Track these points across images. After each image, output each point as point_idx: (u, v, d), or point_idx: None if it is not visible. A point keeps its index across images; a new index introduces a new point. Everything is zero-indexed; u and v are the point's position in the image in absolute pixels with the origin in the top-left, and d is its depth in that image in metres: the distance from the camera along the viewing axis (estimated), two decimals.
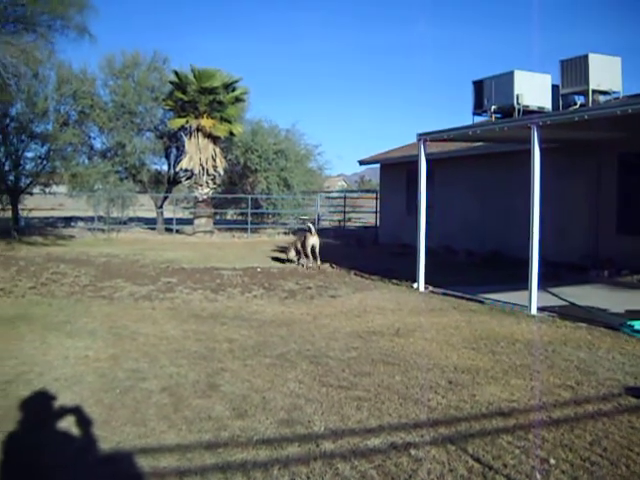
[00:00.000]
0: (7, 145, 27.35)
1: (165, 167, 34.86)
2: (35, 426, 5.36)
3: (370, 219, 33.64)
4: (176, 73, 28.50)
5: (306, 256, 17.62)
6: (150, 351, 7.86)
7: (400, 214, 23.98)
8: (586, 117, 10.33)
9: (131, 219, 32.14)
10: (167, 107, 30.40)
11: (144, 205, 35.24)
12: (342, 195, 42.34)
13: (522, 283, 11.16)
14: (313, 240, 17.48)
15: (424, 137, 13.78)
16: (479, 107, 20.56)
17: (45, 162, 28.33)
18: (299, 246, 18.05)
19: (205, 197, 30.13)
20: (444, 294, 12.78)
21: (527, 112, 18.18)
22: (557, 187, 15.28)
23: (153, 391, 6.26)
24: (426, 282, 13.52)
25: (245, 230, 30.98)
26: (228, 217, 38.80)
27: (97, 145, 32.71)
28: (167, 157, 34.07)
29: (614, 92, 18.63)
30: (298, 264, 17.85)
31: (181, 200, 37.80)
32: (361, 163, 28.91)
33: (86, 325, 9.37)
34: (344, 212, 36.96)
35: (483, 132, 13.13)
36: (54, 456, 4.78)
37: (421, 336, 8.92)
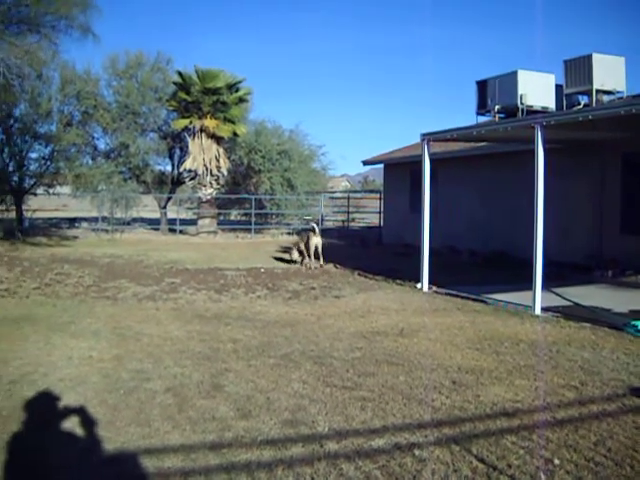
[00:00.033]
0: (11, 146, 27.38)
1: (169, 168, 34.96)
2: (39, 426, 5.36)
3: (374, 219, 33.64)
4: (180, 74, 28.52)
5: (309, 256, 17.61)
6: (154, 352, 7.86)
7: (404, 214, 23.94)
8: (590, 117, 10.30)
9: (135, 220, 32.16)
10: (171, 108, 30.42)
11: (148, 206, 35.27)
12: (346, 195, 42.35)
13: (526, 283, 11.15)
14: (316, 240, 17.48)
15: (428, 137, 13.77)
16: (483, 107, 20.50)
17: (49, 163, 28.41)
18: (302, 246, 18.06)
19: (209, 197, 30.14)
20: (448, 294, 12.76)
21: (531, 112, 18.11)
22: (561, 187, 15.25)
23: (157, 391, 6.26)
24: (430, 282, 13.52)
25: (249, 230, 31.01)
26: (232, 217, 38.75)
27: (101, 146, 32.89)
28: (171, 157, 34.11)
29: (618, 92, 18.56)
30: (302, 264, 17.84)
31: (185, 201, 37.77)
32: (365, 163, 28.91)
33: (90, 326, 9.38)
34: (348, 212, 36.96)
35: (487, 132, 13.11)
36: (58, 456, 4.78)
37: (425, 336, 8.91)
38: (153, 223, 33.61)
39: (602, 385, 6.57)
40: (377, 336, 8.93)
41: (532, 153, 10.94)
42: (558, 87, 19.39)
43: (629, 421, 5.52)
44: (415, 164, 17.06)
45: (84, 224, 33.08)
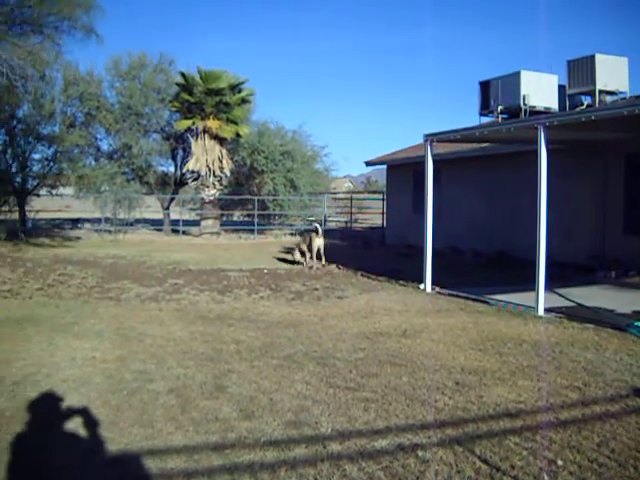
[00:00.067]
0: (14, 147, 27.41)
1: (172, 168, 35.01)
2: (43, 427, 5.37)
3: (377, 220, 33.60)
4: (183, 75, 28.52)
5: (312, 257, 17.62)
6: (157, 352, 7.87)
7: (407, 215, 23.93)
8: (593, 117, 10.29)
9: (138, 220, 32.12)
10: (173, 108, 30.43)
11: (151, 206, 35.25)
12: (348, 196, 42.31)
13: (529, 284, 11.12)
14: (319, 242, 17.51)
15: (431, 138, 13.76)
16: (485, 107, 20.48)
17: (52, 164, 28.41)
18: (303, 247, 18.09)
19: (212, 198, 30.14)
20: (451, 295, 12.75)
21: (534, 112, 18.09)
22: (563, 188, 15.23)
23: (160, 392, 6.27)
24: (433, 283, 13.50)
25: (252, 231, 30.99)
26: (234, 218, 38.75)
27: (104, 147, 32.87)
28: (174, 158, 34.14)
29: (621, 92, 18.54)
30: (305, 265, 17.83)
31: (188, 201, 37.78)
32: (367, 164, 28.87)
33: (93, 326, 9.38)
34: (350, 213, 36.93)
35: (490, 133, 13.10)
36: (62, 457, 4.80)
37: (428, 337, 8.91)
38: (156, 224, 33.65)
39: (605, 386, 6.56)
40: (380, 337, 8.93)
41: (535, 154, 10.94)
42: (561, 88, 19.38)
43: (632, 422, 5.51)
44: (418, 165, 17.03)
45: (87, 225, 33.13)
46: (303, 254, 18.16)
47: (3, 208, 27.91)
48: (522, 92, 18.76)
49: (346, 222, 37.67)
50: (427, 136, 13.81)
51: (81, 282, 14.09)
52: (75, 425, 5.40)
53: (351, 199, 38.47)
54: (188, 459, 4.73)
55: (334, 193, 45.86)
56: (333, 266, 17.71)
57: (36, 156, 28.47)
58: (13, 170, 27.60)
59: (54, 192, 30.04)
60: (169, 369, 7.11)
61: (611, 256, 15.82)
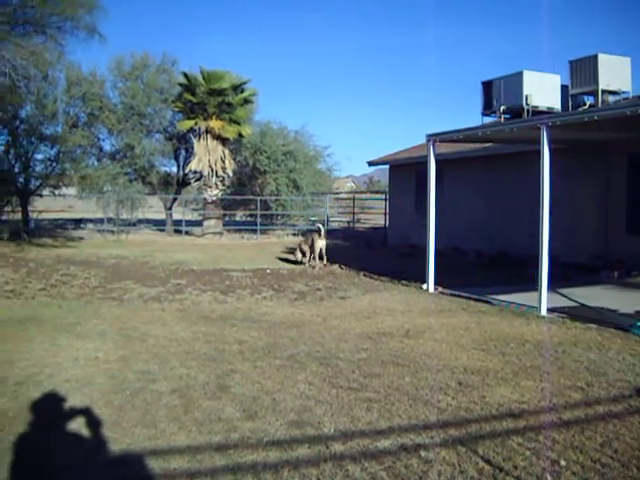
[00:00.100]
0: (17, 147, 27.37)
1: (174, 169, 35.04)
2: (45, 427, 5.37)
3: (379, 220, 33.56)
4: (185, 75, 28.51)
5: (314, 258, 17.63)
6: (160, 353, 7.86)
7: (409, 215, 23.89)
8: (596, 117, 10.27)
9: (140, 221, 32.18)
10: (176, 109, 30.44)
11: (153, 207, 35.31)
12: (351, 196, 42.28)
13: (531, 284, 11.13)
14: (321, 243, 17.54)
15: (433, 138, 13.74)
16: (488, 107, 20.44)
17: (54, 164, 28.38)
18: (305, 247, 18.11)
19: (214, 198, 30.12)
20: (453, 295, 12.74)
21: (536, 112, 18.05)
22: (566, 188, 15.22)
23: (163, 393, 6.26)
24: (435, 283, 13.49)
25: (254, 231, 31.01)
26: (237, 218, 38.75)
27: (106, 147, 32.91)
28: (176, 159, 34.18)
29: (624, 92, 18.49)
30: (307, 265, 17.83)
31: (190, 202, 37.75)
32: (370, 164, 28.81)
33: (96, 327, 9.38)
34: (353, 213, 36.90)
35: (492, 133, 13.07)
36: (64, 457, 4.79)
37: (431, 337, 8.90)
38: (159, 224, 33.67)
39: (608, 386, 6.55)
40: (383, 337, 8.92)
41: (537, 153, 10.93)
42: (563, 88, 19.35)
43: (635, 422, 5.50)
44: (421, 165, 17.03)
45: (90, 225, 33.18)
46: (303, 254, 18.17)
47: (6, 208, 27.98)
48: (525, 92, 18.72)
49: (348, 222, 37.64)
50: (430, 136, 13.79)
51: (84, 282, 14.08)
52: (78, 425, 5.39)
53: (353, 199, 38.45)
54: (191, 459, 4.73)
55: (336, 193, 45.83)
56: (336, 266, 17.70)
57: (39, 156, 28.49)
58: (16, 170, 27.56)
59: (57, 192, 30.00)
60: (172, 369, 7.11)
61: (614, 256, 15.79)
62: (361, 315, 10.66)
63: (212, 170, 29.11)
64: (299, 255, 18.33)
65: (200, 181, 31.51)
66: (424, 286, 13.60)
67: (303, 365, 7.36)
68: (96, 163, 31.57)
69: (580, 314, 10.45)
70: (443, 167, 16.17)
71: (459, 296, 12.57)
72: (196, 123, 28.81)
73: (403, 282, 14.45)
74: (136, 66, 31.61)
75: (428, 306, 11.64)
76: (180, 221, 31.70)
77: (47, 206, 31.57)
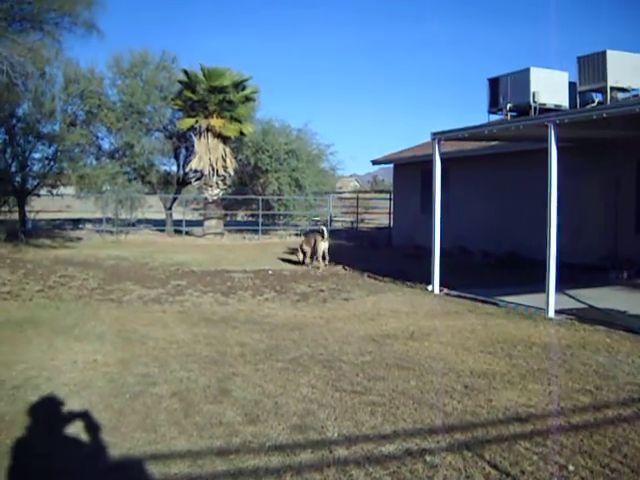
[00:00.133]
0: (14, 146, 27.26)
1: (174, 168, 34.95)
2: (43, 432, 5.33)
3: (383, 220, 33.53)
4: (185, 72, 28.37)
5: (316, 258, 17.61)
6: (160, 355, 7.81)
7: (414, 215, 23.79)
8: (604, 115, 10.22)
9: (140, 221, 32.14)
10: (176, 107, 30.32)
11: (153, 206, 35.25)
12: (355, 196, 42.28)
13: (539, 285, 11.10)
14: (324, 245, 17.50)
15: (439, 136, 13.68)
16: (494, 105, 20.40)
17: (52, 163, 28.23)
18: (306, 248, 18.11)
19: (215, 198, 30.05)
20: (459, 296, 12.67)
21: (544, 110, 18.00)
22: (574, 187, 15.11)
23: (163, 396, 6.21)
24: (441, 284, 13.41)
25: (256, 232, 30.96)
26: (239, 218, 38.69)
27: (105, 146, 32.85)
28: (176, 157, 34.11)
29: (633, 89, 18.40)
30: (311, 267, 17.77)
31: (191, 201, 37.71)
32: (374, 163, 28.72)
33: (94, 329, 9.33)
34: (357, 213, 36.87)
35: (499, 131, 13.01)
36: (63, 462, 4.76)
37: (436, 340, 8.85)
38: (158, 224, 33.68)
39: (617, 389, 6.50)
40: (387, 339, 8.86)
41: (545, 152, 10.85)
42: (571, 85, 19.29)
43: None
44: (426, 164, 16.95)
45: (88, 225, 33.16)
46: (303, 254, 18.17)
47: (3, 208, 27.75)
48: (532, 89, 18.67)
49: (352, 222, 37.66)
50: (435, 134, 13.73)
51: (82, 284, 14.02)
52: (76, 429, 5.35)
53: (357, 199, 38.49)
54: (192, 464, 4.69)
55: (340, 193, 45.88)
56: (339, 267, 17.67)
57: (36, 155, 28.34)
58: (13, 170, 27.43)
59: (54, 192, 29.78)
60: (172, 372, 7.06)
61: (623, 256, 15.64)
62: (365, 317, 10.61)
63: (213, 169, 29.04)
64: (300, 255, 18.33)
65: (201, 180, 31.43)
66: (429, 287, 13.52)
67: (306, 368, 7.31)
68: (95, 162, 31.52)
69: (588, 316, 10.37)
70: (449, 166, 16.09)
71: (465, 297, 12.50)
72: (196, 121, 28.71)
73: (408, 283, 14.39)
74: (135, 63, 31.56)
75: (433, 308, 11.58)
76: (180, 221, 31.64)
77: (45, 206, 31.54)
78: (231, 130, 28.91)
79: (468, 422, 5.58)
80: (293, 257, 19.31)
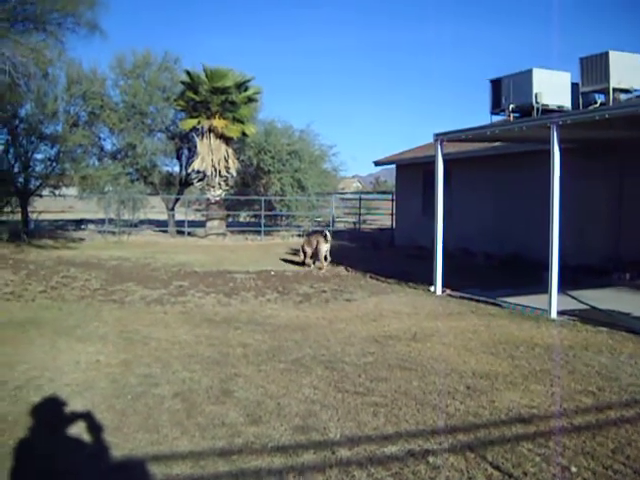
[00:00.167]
0: (16, 147, 27.17)
1: (177, 168, 34.83)
2: (46, 432, 5.34)
3: (386, 221, 33.47)
4: (188, 73, 28.29)
5: (319, 259, 17.58)
6: (162, 356, 7.81)
7: (417, 216, 23.74)
8: (607, 116, 10.17)
9: (142, 221, 32.01)
10: (178, 107, 30.22)
11: (155, 207, 35.21)
12: (357, 197, 42.20)
13: (541, 286, 11.09)
14: (326, 246, 17.47)
15: (441, 137, 13.64)
16: (497, 106, 20.32)
17: (55, 164, 28.12)
18: (307, 249, 18.09)
19: (217, 199, 29.97)
20: (462, 297, 12.65)
21: (546, 111, 17.92)
22: (577, 188, 15.01)
23: (166, 397, 6.22)
24: (443, 285, 13.39)
25: (258, 232, 30.87)
26: (241, 219, 38.55)
27: (107, 146, 32.70)
28: (179, 158, 34.00)
29: (635, 90, 18.28)
30: (314, 267, 17.76)
31: (193, 202, 37.57)
32: (376, 164, 28.67)
33: (97, 329, 9.33)
34: (359, 214, 36.78)
35: (501, 132, 12.96)
36: (65, 463, 4.77)
37: (439, 341, 8.84)
38: (161, 225, 33.59)
39: (620, 391, 6.49)
40: (390, 340, 8.86)
41: (547, 153, 10.83)
42: (574, 86, 19.21)
43: None
44: (428, 164, 16.92)
45: (90, 226, 33.12)
46: (304, 254, 18.18)
47: (5, 209, 27.66)
48: (534, 90, 18.58)
49: (354, 223, 37.52)
50: (437, 135, 13.69)
51: (84, 284, 14.01)
52: (79, 430, 5.36)
53: (360, 199, 38.34)
54: (194, 465, 4.70)
55: (342, 193, 45.74)
56: (341, 268, 17.63)
57: (39, 156, 28.20)
58: (15, 170, 27.33)
59: (57, 193, 29.67)
60: (174, 373, 7.06)
61: (626, 258, 15.50)
62: (367, 318, 10.59)
63: (215, 170, 28.96)
64: (302, 256, 18.28)
65: (203, 181, 31.24)
66: (432, 288, 13.48)
67: (308, 369, 7.30)
68: (97, 163, 31.43)
69: (591, 317, 10.36)
70: (451, 167, 16.04)
71: (468, 299, 12.49)
72: (199, 122, 28.62)
73: (410, 284, 14.37)
74: (138, 64, 31.44)
75: (436, 309, 11.56)
76: (183, 222, 31.55)
77: (47, 207, 31.42)
78: (233, 131, 28.83)
79: (470, 423, 5.58)
80: (295, 258, 19.28)
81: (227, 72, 28.30)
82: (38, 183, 28.26)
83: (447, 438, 5.21)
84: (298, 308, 11.59)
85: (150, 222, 33.99)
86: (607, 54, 17.75)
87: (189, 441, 5.13)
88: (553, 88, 18.72)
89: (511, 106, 19.47)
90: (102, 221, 31.02)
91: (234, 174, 30.24)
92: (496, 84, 20.31)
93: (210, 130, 28.52)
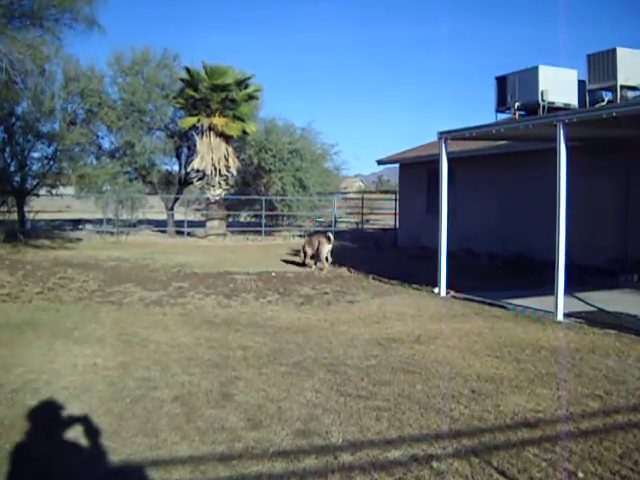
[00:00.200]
0: (13, 145, 27.08)
1: (176, 167, 34.79)
2: (43, 436, 5.30)
3: (389, 221, 33.46)
4: (187, 70, 28.21)
5: (320, 261, 17.55)
6: (161, 359, 7.77)
7: (420, 216, 23.68)
8: (614, 114, 10.13)
9: (141, 221, 32.04)
10: (178, 105, 30.15)
11: (154, 207, 35.27)
12: (359, 196, 42.19)
13: (547, 287, 11.08)
14: (328, 247, 17.46)
15: (445, 135, 13.58)
16: (502, 104, 20.23)
17: (52, 162, 28.02)
18: (308, 249, 18.12)
19: (217, 198, 29.93)
20: (466, 299, 12.60)
21: (552, 109, 17.83)
22: (583, 187, 14.89)
23: (165, 400, 6.18)
24: (447, 287, 13.34)
25: (259, 233, 30.84)
26: (241, 219, 38.54)
27: (105, 145, 32.70)
28: (178, 157, 33.98)
29: None
30: (315, 268, 17.71)
31: (192, 202, 37.58)
32: (379, 163, 28.62)
33: (94, 331, 9.28)
34: (362, 214, 36.77)
35: (507, 130, 12.91)
36: (62, 467, 4.75)
37: (443, 343, 8.80)
38: (160, 225, 33.61)
39: (628, 395, 6.45)
40: (393, 343, 8.81)
41: (553, 151, 10.79)
42: (580, 83, 19.13)
43: None
44: (432, 163, 16.87)
45: (88, 226, 33.12)
46: (305, 254, 18.21)
47: (1, 209, 27.62)
48: (540, 88, 18.49)
49: (357, 223, 37.57)
50: (441, 134, 13.63)
51: (82, 285, 13.96)
52: (76, 434, 5.32)
53: (362, 199, 38.41)
54: (193, 470, 4.66)
55: (344, 193, 45.82)
56: (344, 269, 17.63)
57: (35, 155, 28.11)
58: (12, 169, 27.24)
59: (54, 192, 29.57)
60: (174, 376, 7.01)
61: (633, 259, 15.38)
62: (370, 320, 10.55)
63: (215, 169, 28.91)
64: (302, 256, 18.28)
65: (203, 180, 31.22)
66: (435, 290, 13.44)
67: (310, 372, 7.26)
68: (95, 161, 31.35)
69: (598, 319, 10.31)
70: (455, 166, 15.99)
71: (472, 300, 12.44)
72: (199, 120, 28.56)
73: (414, 285, 14.35)
74: (136, 61, 31.42)
75: (440, 311, 11.53)
76: (182, 222, 31.53)
77: (44, 206, 31.50)
78: (234, 129, 28.78)
79: (475, 427, 5.55)
80: (297, 259, 19.25)
81: (227, 69, 28.24)
82: (35, 182, 28.21)
83: (451, 443, 5.17)
84: (299, 310, 11.53)
85: (149, 222, 34.05)
86: (614, 51, 17.62)
87: (189, 446, 5.08)
88: (559, 85, 18.63)
89: (517, 104, 19.37)
90: (100, 221, 30.97)
91: (234, 173, 30.21)
92: (501, 81, 20.22)
93: (210, 128, 28.47)
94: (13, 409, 5.80)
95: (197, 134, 29.54)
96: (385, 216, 36.20)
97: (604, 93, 18.76)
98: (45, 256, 20.17)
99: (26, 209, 28.51)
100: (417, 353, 8.19)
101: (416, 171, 25.04)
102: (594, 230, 16.29)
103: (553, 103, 18.45)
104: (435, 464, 4.74)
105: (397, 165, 27.92)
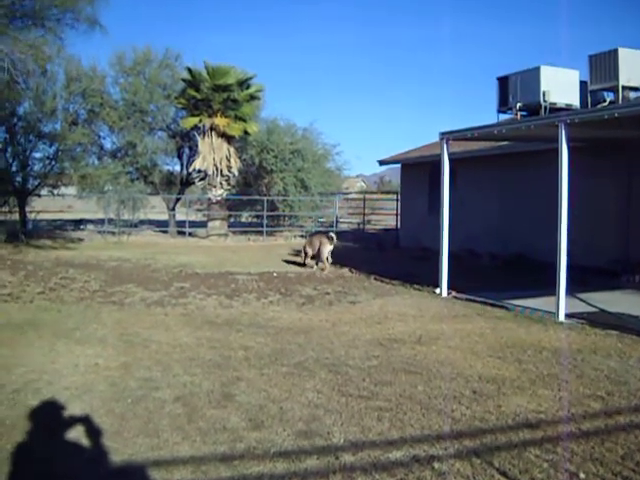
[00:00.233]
0: (14, 145, 27.02)
1: (177, 168, 34.85)
2: (44, 436, 5.29)
3: (390, 221, 33.41)
4: (189, 70, 28.18)
5: (322, 261, 17.54)
6: (163, 359, 7.76)
7: (422, 216, 23.63)
8: (616, 115, 10.13)
9: (142, 222, 31.92)
10: (179, 105, 30.12)
11: (156, 207, 35.16)
12: (361, 196, 42.13)
13: (549, 288, 11.02)
14: (329, 247, 17.47)
15: (447, 136, 13.58)
16: (504, 104, 20.21)
17: (53, 163, 27.96)
18: (308, 249, 18.13)
19: (219, 199, 29.91)
20: (468, 300, 12.59)
21: (554, 109, 17.82)
22: (585, 188, 14.87)
23: (166, 401, 6.17)
24: (449, 287, 13.33)
25: (261, 233, 30.83)
26: (243, 219, 38.49)
27: (107, 145, 32.68)
28: (179, 157, 34.00)
29: None
30: (317, 269, 17.70)
31: (194, 202, 37.55)
32: (381, 163, 28.55)
33: (96, 332, 9.28)
34: (363, 214, 36.72)
35: (508, 131, 12.90)
36: (64, 467, 4.75)
37: (444, 344, 8.79)
38: (161, 225, 33.57)
39: (629, 395, 6.45)
40: (394, 343, 8.80)
41: (555, 152, 10.77)
42: (582, 84, 19.11)
43: None
44: (433, 164, 16.85)
45: (90, 226, 33.06)
46: (305, 254, 18.23)
47: (3, 209, 27.52)
48: (542, 88, 18.47)
49: (359, 223, 37.48)
50: (443, 134, 13.63)
51: (84, 286, 13.95)
52: (78, 434, 5.32)
53: (364, 199, 38.34)
54: (195, 470, 4.65)
55: (346, 193, 45.80)
56: (345, 269, 17.61)
57: (37, 155, 28.03)
58: (13, 169, 27.18)
59: (56, 192, 29.48)
60: (175, 376, 7.01)
61: (635, 259, 15.37)
62: (372, 320, 10.54)
63: (217, 169, 28.90)
64: (303, 257, 18.30)
65: (204, 180, 31.12)
66: (437, 290, 13.43)
67: (311, 372, 7.25)
68: (96, 162, 31.34)
69: (600, 320, 10.29)
70: (457, 166, 15.96)
71: (474, 301, 12.43)
72: (200, 120, 28.54)
73: (415, 286, 14.33)
74: (138, 61, 31.39)
75: (441, 311, 11.52)
76: (183, 222, 31.48)
77: (45, 206, 31.34)
78: (235, 129, 28.76)
79: (477, 428, 5.54)
80: (298, 259, 19.23)
81: (229, 69, 28.20)
82: (36, 182, 28.13)
83: (453, 443, 5.17)
84: (301, 310, 11.52)
85: (150, 222, 33.95)
86: (616, 51, 17.61)
87: (190, 446, 5.08)
88: (561, 86, 18.62)
89: (518, 104, 19.35)
90: (101, 221, 30.94)
91: (236, 173, 30.18)
92: (503, 82, 20.21)
93: (212, 128, 28.46)
94: (14, 409, 5.80)
95: (199, 134, 29.52)
96: (387, 216, 36.10)
97: (606, 94, 18.73)
98: (47, 256, 20.18)
99: (28, 209, 28.44)
100: (419, 354, 8.18)
101: (418, 171, 25.00)
102: (596, 231, 16.27)
103: (555, 104, 18.44)
104: (437, 465, 4.74)
105: (399, 165, 27.85)
